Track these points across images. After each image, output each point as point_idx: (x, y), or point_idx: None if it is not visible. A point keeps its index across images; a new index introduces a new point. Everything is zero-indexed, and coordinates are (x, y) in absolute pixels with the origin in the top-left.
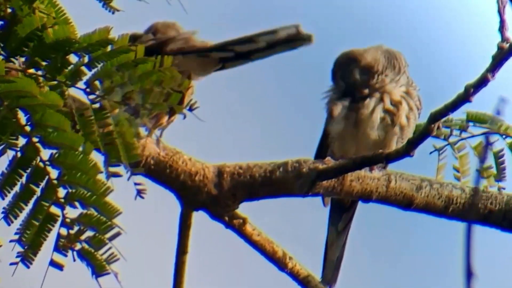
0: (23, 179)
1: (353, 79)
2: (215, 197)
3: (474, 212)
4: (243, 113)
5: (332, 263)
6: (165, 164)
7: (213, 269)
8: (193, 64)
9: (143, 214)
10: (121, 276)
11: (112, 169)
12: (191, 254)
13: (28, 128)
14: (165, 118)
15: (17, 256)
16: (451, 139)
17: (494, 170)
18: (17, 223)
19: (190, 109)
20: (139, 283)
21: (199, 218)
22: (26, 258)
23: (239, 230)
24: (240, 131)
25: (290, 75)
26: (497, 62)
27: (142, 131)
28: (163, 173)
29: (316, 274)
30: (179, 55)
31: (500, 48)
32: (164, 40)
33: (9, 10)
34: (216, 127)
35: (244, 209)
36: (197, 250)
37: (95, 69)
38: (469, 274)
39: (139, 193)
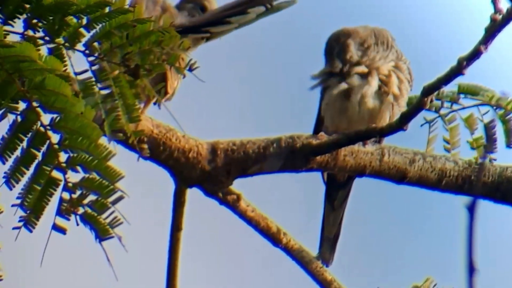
0: (24, 144)
1: (350, 55)
2: (209, 174)
3: (479, 190)
4: (237, 89)
5: (329, 240)
6: (159, 142)
7: (208, 245)
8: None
9: (137, 192)
10: (124, 239)
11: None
12: (186, 231)
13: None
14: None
15: (19, 221)
16: (442, 111)
17: (485, 141)
18: (18, 187)
19: (190, 70)
20: (134, 259)
21: (193, 195)
22: (28, 222)
23: (233, 206)
24: (234, 107)
25: (286, 50)
26: (490, 34)
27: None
28: (156, 150)
29: (312, 251)
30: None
31: (493, 20)
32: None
33: None
34: (210, 103)
35: (238, 186)
36: (191, 227)
37: (94, 31)
38: (471, 269)
39: (141, 155)
